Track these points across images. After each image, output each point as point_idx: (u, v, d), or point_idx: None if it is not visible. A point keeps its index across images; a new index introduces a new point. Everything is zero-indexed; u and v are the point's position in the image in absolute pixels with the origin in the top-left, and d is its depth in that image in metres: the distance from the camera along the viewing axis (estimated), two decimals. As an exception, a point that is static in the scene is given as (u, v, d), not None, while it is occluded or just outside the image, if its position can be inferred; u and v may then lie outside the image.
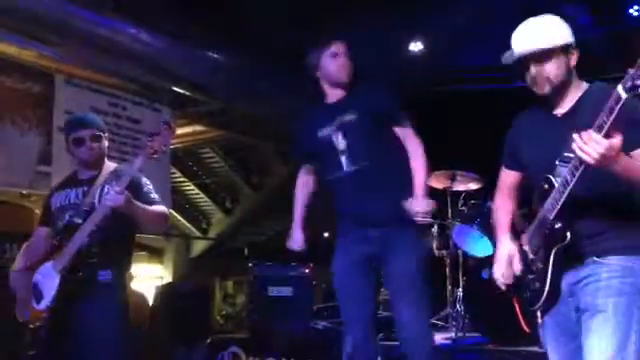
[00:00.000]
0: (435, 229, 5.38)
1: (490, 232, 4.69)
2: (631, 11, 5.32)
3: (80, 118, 3.20)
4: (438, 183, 5.11)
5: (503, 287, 2.30)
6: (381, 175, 2.90)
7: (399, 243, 2.89)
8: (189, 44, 5.46)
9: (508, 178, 2.46)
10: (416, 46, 6.06)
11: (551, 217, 2.10)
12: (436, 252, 5.36)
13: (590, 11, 5.58)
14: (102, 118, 5.56)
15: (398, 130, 3.02)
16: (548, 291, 2.13)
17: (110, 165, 3.05)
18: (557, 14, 6.16)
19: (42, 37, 4.78)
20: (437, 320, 5.05)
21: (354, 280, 2.94)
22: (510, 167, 2.45)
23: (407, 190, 2.89)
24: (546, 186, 2.13)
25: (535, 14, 6.34)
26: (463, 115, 6.43)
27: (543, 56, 2.16)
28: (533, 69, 2.17)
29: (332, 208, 3.05)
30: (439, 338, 4.64)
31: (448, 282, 4.98)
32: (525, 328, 2.29)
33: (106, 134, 3.07)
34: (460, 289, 4.69)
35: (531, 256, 2.22)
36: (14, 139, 5.10)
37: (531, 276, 2.21)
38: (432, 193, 5.33)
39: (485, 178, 5.10)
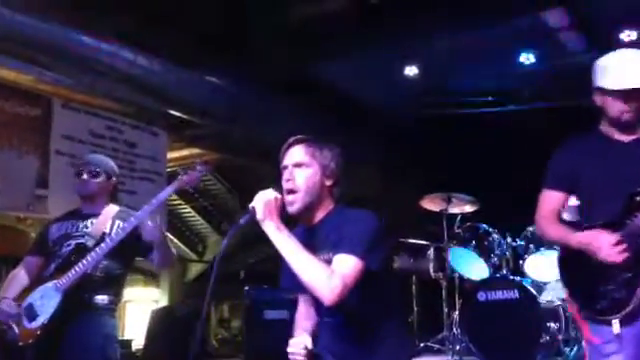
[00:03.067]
0: (431, 252, 5.40)
1: (486, 255, 4.71)
2: (622, 36, 5.40)
3: (90, 157, 3.28)
4: (434, 205, 5.14)
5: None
6: (363, 330, 2.17)
7: None
8: (186, 68, 5.51)
9: (554, 200, 2.44)
10: (411, 70, 6.12)
11: None
12: (432, 275, 5.37)
13: (583, 37, 5.66)
14: (99, 141, 5.68)
15: None
16: (636, 302, 2.15)
17: (114, 207, 3.13)
18: (552, 40, 6.23)
19: (40, 61, 4.82)
20: (433, 343, 5.03)
21: None
22: (559, 188, 2.45)
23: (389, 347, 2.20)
24: (638, 198, 2.20)
25: (530, 41, 6.41)
26: (458, 138, 6.48)
27: None
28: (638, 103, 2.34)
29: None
30: (435, 362, 4.64)
31: (444, 305, 4.98)
32: (592, 338, 2.26)
33: (113, 178, 3.17)
34: (456, 312, 4.68)
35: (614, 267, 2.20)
36: (11, 162, 5.11)
37: (611, 286, 2.21)
38: (428, 216, 5.42)
39: (480, 201, 5.13)
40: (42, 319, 2.82)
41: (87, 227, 3.02)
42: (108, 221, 3.03)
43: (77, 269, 2.83)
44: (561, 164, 2.47)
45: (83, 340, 2.84)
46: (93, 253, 2.83)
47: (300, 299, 2.41)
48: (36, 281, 2.97)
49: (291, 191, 2.14)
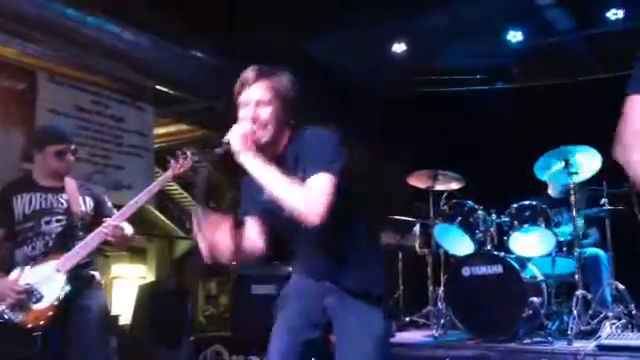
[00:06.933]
0: (417, 228, 5.45)
1: (471, 231, 4.76)
2: (609, 15, 5.42)
3: (61, 131, 3.25)
4: (420, 182, 5.17)
5: None
6: (340, 243, 2.24)
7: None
8: (173, 43, 5.47)
9: None
10: (399, 47, 6.11)
11: None
12: (418, 251, 5.43)
13: (570, 15, 5.68)
14: (85, 116, 5.64)
15: None
16: None
17: (71, 179, 3.18)
18: (538, 18, 6.24)
19: (25, 35, 4.76)
20: (418, 318, 5.11)
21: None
22: None
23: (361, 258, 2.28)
24: None
25: (516, 18, 6.41)
26: (445, 116, 6.50)
27: None
28: None
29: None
30: (420, 335, 4.71)
31: (430, 281, 5.04)
32: None
33: None
34: (441, 287, 4.74)
35: None
36: (-3, 136, 5.08)
37: None
38: (415, 192, 5.46)
39: (466, 178, 5.17)
40: (51, 299, 2.86)
41: (62, 204, 3.05)
42: (79, 197, 3.11)
43: (78, 250, 2.93)
44: None
45: (87, 314, 2.94)
46: (93, 235, 2.95)
47: (251, 219, 2.39)
48: (21, 260, 2.97)
49: (255, 129, 2.15)
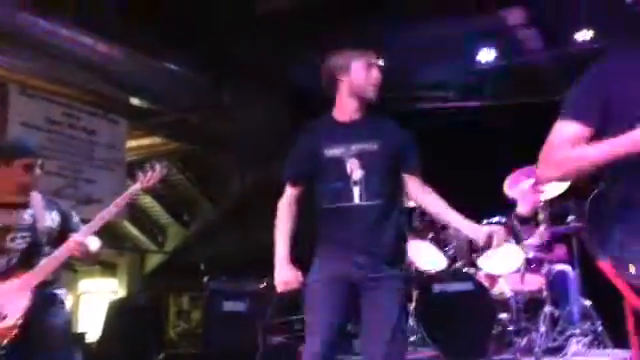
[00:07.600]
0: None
1: (442, 247, 4.80)
2: (578, 36, 5.55)
3: (29, 145, 3.15)
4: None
5: None
6: (389, 215, 2.66)
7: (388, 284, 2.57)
8: (147, 55, 5.46)
9: (574, 134, 1.81)
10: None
11: None
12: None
13: (540, 36, 5.80)
14: (56, 128, 5.58)
15: (408, 176, 2.78)
16: None
17: (36, 194, 3.11)
18: (509, 38, 6.33)
19: (-4, 46, 4.71)
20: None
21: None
22: (591, 122, 1.80)
23: (401, 232, 2.74)
24: None
25: (488, 37, 6.50)
26: (417, 133, 6.55)
27: None
28: None
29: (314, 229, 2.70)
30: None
31: (401, 296, 5.05)
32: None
33: None
34: (412, 303, 4.76)
35: None
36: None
37: None
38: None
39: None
40: (14, 318, 2.80)
41: (24, 220, 2.98)
42: (45, 213, 3.04)
43: (44, 266, 2.88)
44: (594, 89, 1.84)
45: (50, 332, 2.90)
46: (59, 252, 2.91)
47: (296, 184, 2.75)
48: None
49: (376, 86, 2.71)
